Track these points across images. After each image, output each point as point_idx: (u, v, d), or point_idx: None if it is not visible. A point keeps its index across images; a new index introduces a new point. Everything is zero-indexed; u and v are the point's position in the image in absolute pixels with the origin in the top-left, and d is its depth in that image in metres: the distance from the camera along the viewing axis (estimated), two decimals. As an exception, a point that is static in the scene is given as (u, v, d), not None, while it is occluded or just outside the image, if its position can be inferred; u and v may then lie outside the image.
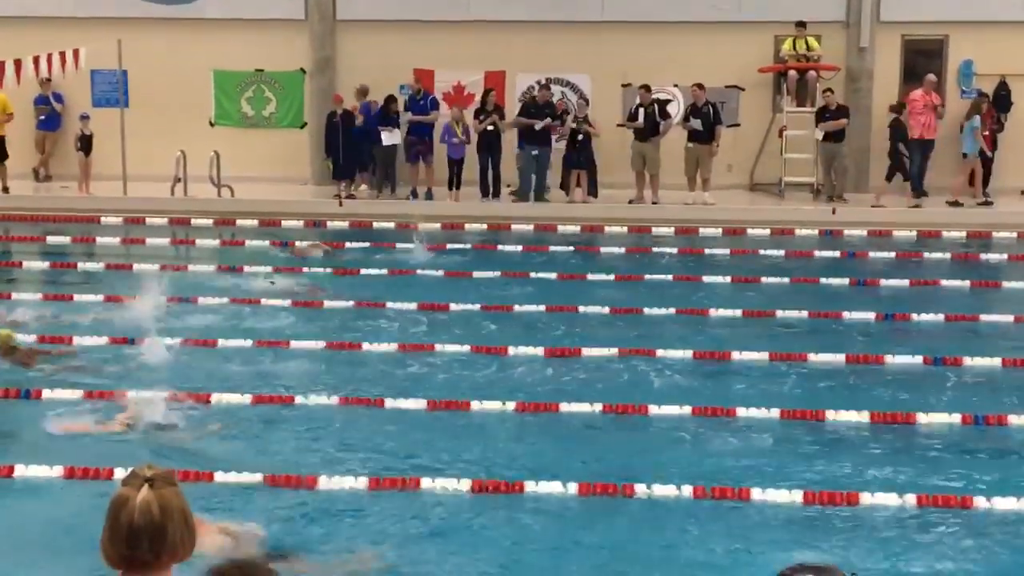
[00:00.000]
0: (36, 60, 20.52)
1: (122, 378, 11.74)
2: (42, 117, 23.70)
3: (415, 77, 22.98)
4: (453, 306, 14.73)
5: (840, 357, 12.64)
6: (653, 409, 10.84)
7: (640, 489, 8.96)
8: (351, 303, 14.85)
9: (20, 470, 9.21)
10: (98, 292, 15.16)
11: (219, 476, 9.05)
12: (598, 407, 10.87)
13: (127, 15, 23.46)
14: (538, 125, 22.00)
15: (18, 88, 21.44)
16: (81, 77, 22.16)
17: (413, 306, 14.71)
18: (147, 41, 22.80)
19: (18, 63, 20.25)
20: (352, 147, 22.38)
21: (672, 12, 23.41)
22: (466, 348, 12.86)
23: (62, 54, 20.83)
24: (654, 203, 21.85)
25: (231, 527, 7.94)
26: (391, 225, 20.19)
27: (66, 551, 7.86)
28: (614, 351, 12.71)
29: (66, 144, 23.57)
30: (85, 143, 22.91)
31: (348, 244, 18.79)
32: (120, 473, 8.51)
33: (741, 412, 10.79)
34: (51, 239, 18.96)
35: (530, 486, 8.99)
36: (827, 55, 23.22)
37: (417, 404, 10.98)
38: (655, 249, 18.97)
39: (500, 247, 19.05)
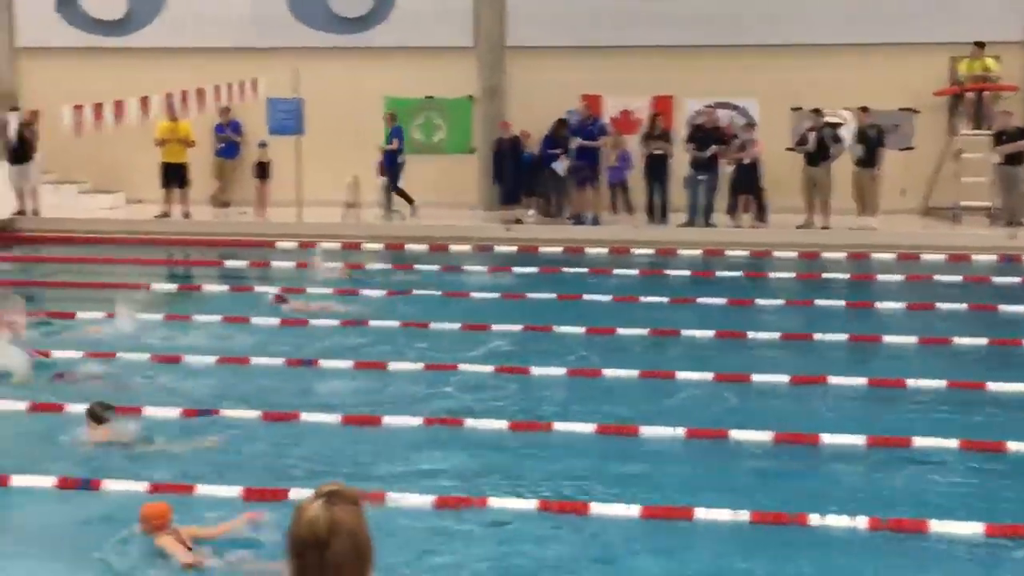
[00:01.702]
0: (217, 89, 21.21)
1: (297, 401, 12.01)
2: (222, 145, 24.47)
3: (583, 103, 23.05)
4: (620, 331, 14.71)
5: (1020, 387, 12.24)
6: (826, 438, 10.65)
7: (813, 519, 8.80)
8: (519, 327, 14.93)
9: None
10: (275, 316, 15.54)
11: (410, 498, 9.17)
12: (768, 435, 10.72)
13: (303, 44, 24.12)
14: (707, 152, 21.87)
15: (200, 117, 22.23)
16: (258, 106, 22.81)
17: (581, 330, 14.75)
18: (322, 70, 23.38)
19: (200, 92, 20.96)
20: (520, 172, 22.58)
21: (844, 34, 23.08)
22: (634, 373, 12.84)
23: (241, 83, 21.52)
24: (824, 228, 21.51)
25: None
26: (559, 250, 20.30)
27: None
28: (784, 378, 12.54)
29: (244, 171, 24.29)
30: (262, 170, 23.59)
31: (515, 269, 18.93)
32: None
33: (917, 442, 10.52)
34: (228, 263, 19.52)
35: (700, 513, 8.90)
36: (1005, 76, 22.58)
37: (586, 428, 10.99)
38: (825, 275, 18.67)
39: (667, 272, 18.97)
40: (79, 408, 10.93)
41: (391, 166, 23.22)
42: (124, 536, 8.35)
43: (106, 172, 24.66)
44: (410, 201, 23.12)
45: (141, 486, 9.45)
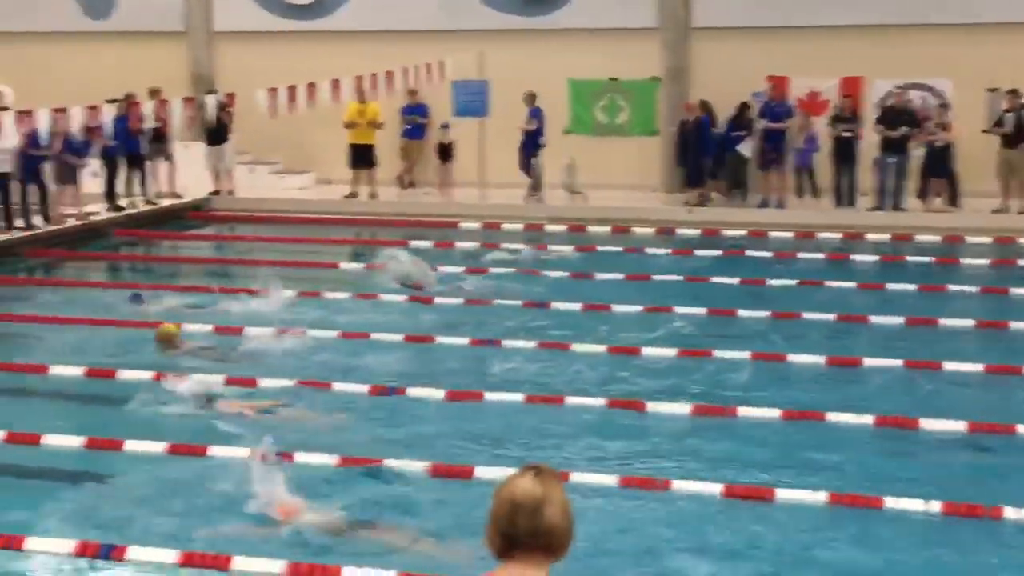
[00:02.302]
0: (405, 72, 21.56)
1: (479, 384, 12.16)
2: (408, 126, 24.85)
3: (769, 84, 22.70)
4: (806, 315, 14.49)
5: None
6: (1021, 428, 10.31)
7: (1009, 512, 8.54)
8: (702, 311, 14.83)
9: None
10: (458, 296, 15.73)
11: (594, 478, 9.21)
12: (961, 425, 10.44)
13: (489, 27, 24.32)
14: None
15: (388, 99, 22.62)
16: (444, 88, 23.08)
17: (765, 314, 14.57)
18: (506, 52, 23.54)
19: (389, 75, 21.33)
20: (703, 155, 22.38)
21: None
22: (820, 359, 12.63)
23: (428, 66, 21.82)
24: (1021, 213, 20.77)
25: None
26: (742, 233, 20.08)
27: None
28: (979, 367, 12.18)
29: (429, 152, 24.64)
30: (444, 151, 23.90)
31: (698, 252, 18.80)
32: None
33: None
34: (413, 243, 19.82)
35: (889, 502, 8.72)
36: None
37: (770, 413, 10.86)
38: (1022, 262, 18.05)
39: (855, 257, 18.59)
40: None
41: (532, 147, 23.33)
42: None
43: (297, 153, 25.29)
44: (537, 186, 23.12)
45: (331, 459, 9.70)
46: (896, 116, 21.59)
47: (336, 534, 8.32)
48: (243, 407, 10.86)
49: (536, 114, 23.27)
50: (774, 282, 16.53)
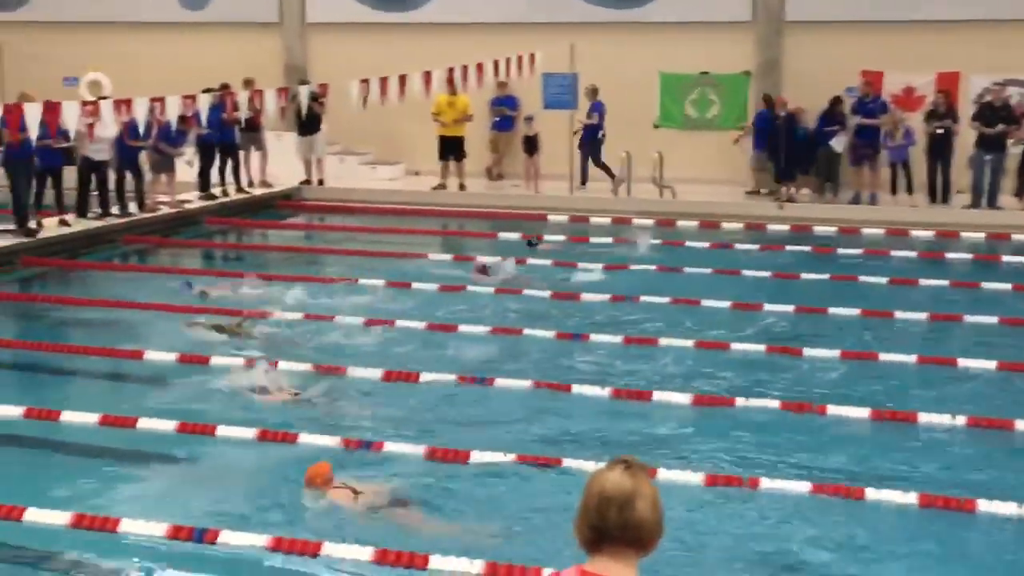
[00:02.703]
0: (495, 64, 21.59)
1: (565, 376, 12.16)
2: (497, 119, 24.89)
3: (863, 79, 22.40)
4: (898, 314, 14.30)
5: None
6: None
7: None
8: (792, 308, 14.70)
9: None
10: (544, 289, 15.74)
11: (680, 475, 9.16)
12: (1058, 427, 10.25)
13: (578, 20, 24.28)
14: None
15: (478, 91, 22.69)
16: (532, 80, 23.08)
17: (856, 312, 14.41)
18: (597, 45, 23.47)
19: (479, 67, 21.38)
20: (794, 150, 22.15)
21: None
22: (912, 358, 12.46)
23: (519, 58, 21.83)
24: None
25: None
26: (833, 230, 19.86)
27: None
28: (1077, 368, 11.95)
29: (518, 144, 24.65)
30: (530, 144, 23.91)
31: (788, 247, 18.63)
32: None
33: None
34: (501, 235, 19.87)
35: (982, 504, 8.59)
36: None
37: (859, 413, 10.74)
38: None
39: (949, 255, 18.30)
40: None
41: (591, 140, 23.41)
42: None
43: (387, 144, 25.45)
44: (611, 175, 23.14)
45: (419, 449, 9.77)
46: (993, 113, 21.21)
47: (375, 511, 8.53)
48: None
49: (598, 108, 23.34)
50: (865, 279, 16.32)
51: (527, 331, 13.56)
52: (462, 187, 23.69)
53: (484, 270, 16.46)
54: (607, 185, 22.81)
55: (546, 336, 13.43)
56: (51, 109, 16.03)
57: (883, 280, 16.29)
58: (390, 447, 9.83)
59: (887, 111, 22.11)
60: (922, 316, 14.24)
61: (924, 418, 10.54)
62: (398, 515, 8.56)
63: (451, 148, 23.63)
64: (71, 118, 16.48)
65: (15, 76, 21.89)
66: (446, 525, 8.46)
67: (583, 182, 23.67)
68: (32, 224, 18.22)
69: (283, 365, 11.96)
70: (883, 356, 12.53)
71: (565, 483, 8.78)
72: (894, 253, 18.24)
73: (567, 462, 9.32)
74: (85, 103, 16.69)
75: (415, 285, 15.95)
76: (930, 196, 21.55)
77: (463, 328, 13.72)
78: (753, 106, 23.51)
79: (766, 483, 9.03)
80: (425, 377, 11.76)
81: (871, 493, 8.82)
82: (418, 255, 18.00)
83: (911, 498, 8.73)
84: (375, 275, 16.35)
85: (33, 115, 15.56)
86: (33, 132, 15.81)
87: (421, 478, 9.24)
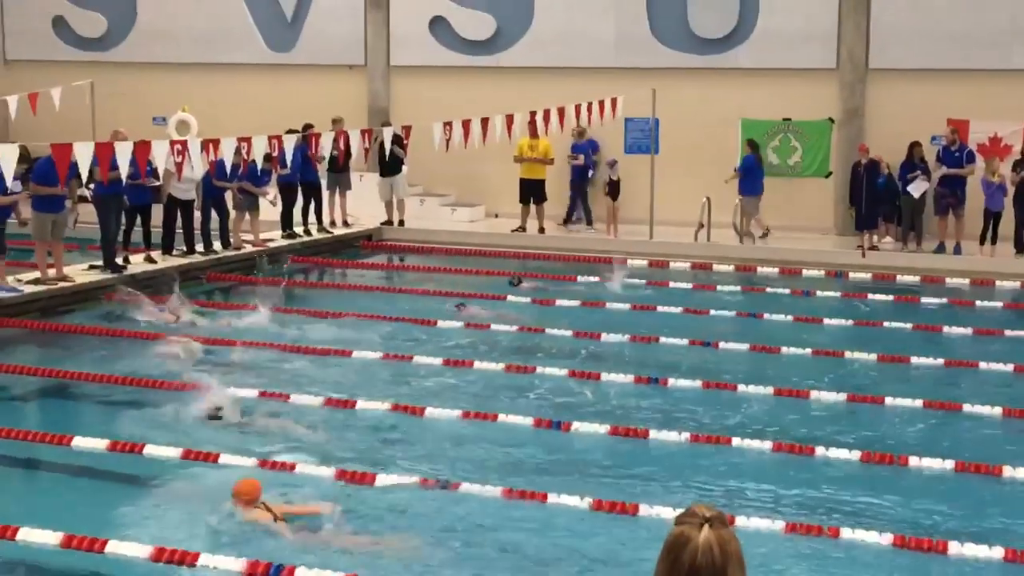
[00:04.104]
0: (577, 108, 21.67)
1: (648, 417, 12.12)
2: (577, 163, 24.96)
3: (949, 127, 22.18)
4: (983, 365, 14.09)
5: None
6: None
7: None
8: (873, 356, 14.54)
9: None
10: (624, 332, 15.71)
11: (758, 522, 9.09)
12: None
13: (662, 65, 24.32)
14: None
15: (560, 135, 22.78)
16: (614, 125, 23.13)
17: (939, 362, 14.23)
18: (679, 90, 23.50)
19: (561, 111, 21.47)
20: (877, 197, 21.98)
21: None
22: (996, 411, 12.27)
23: (601, 102, 21.89)
24: None
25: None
26: (916, 278, 19.64)
27: None
28: None
29: (598, 188, 24.69)
30: (612, 188, 23.93)
31: (870, 296, 18.45)
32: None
33: None
34: (581, 278, 19.87)
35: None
36: None
37: (943, 465, 10.58)
38: None
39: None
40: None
41: (581, 180, 24.32)
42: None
43: (468, 186, 25.61)
44: (589, 222, 24.25)
45: (497, 490, 9.78)
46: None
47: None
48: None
49: (583, 148, 23.94)
50: (950, 330, 16.11)
51: (604, 375, 13.53)
52: (541, 230, 23.76)
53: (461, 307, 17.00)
54: (680, 230, 22.68)
55: (624, 380, 13.40)
56: (141, 148, 16.35)
57: (967, 331, 16.07)
58: (467, 486, 9.84)
59: (973, 160, 21.85)
60: (1007, 368, 14.02)
61: (1009, 472, 10.36)
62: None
63: (532, 191, 23.73)
64: (160, 157, 16.80)
65: (105, 115, 22.31)
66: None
67: (588, 222, 24.46)
68: (119, 260, 18.56)
69: (365, 404, 12.08)
70: (967, 407, 12.35)
71: (646, 527, 8.74)
72: (979, 304, 17.98)
73: (644, 508, 9.27)
74: (174, 142, 16.98)
75: (493, 327, 16.01)
76: (1017, 246, 21.23)
77: (540, 369, 13.74)
78: (836, 153, 23.37)
79: (847, 533, 8.92)
80: (503, 419, 11.79)
81: (954, 547, 8.68)
82: (496, 297, 18.04)
83: (997, 552, 8.58)
84: (450, 316, 16.46)
85: (124, 154, 15.87)
86: (124, 171, 16.13)
87: (501, 522, 9.25)
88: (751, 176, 22.96)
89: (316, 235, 22.73)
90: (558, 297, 18.08)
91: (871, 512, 9.57)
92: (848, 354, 14.61)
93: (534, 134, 22.85)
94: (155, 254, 19.50)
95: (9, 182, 15.34)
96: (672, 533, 3.37)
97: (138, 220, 19.14)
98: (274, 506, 9.02)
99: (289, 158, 21.02)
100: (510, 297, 18.14)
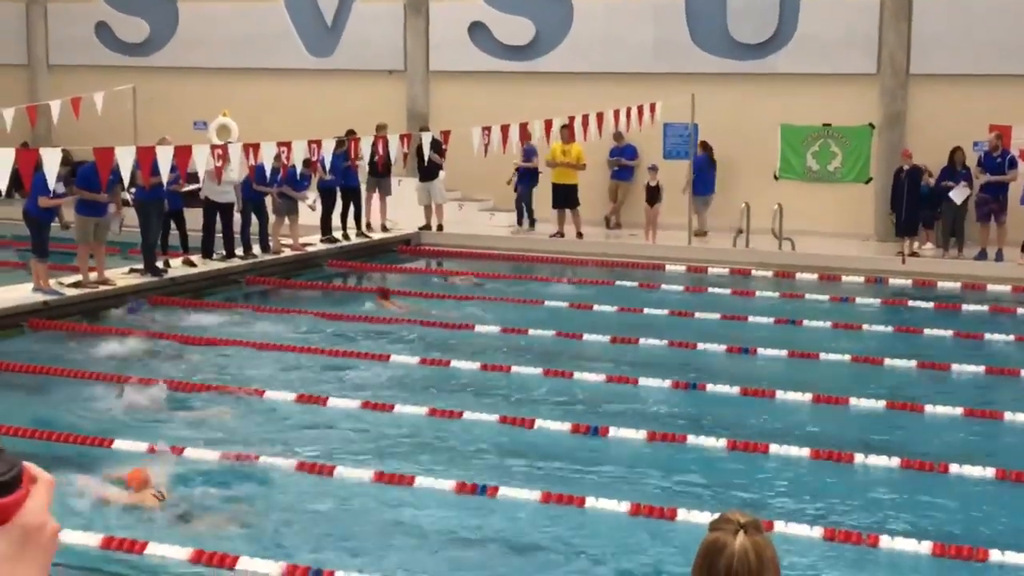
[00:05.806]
0: (616, 113, 21.65)
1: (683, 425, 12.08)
2: (616, 168, 24.95)
3: (992, 132, 22.00)
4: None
5: None
6: None
7: None
8: (912, 363, 14.45)
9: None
10: (662, 337, 15.67)
11: (798, 528, 9.04)
12: None
13: (701, 70, 24.25)
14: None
15: (599, 140, 22.76)
16: (653, 130, 23.10)
17: (980, 370, 14.12)
18: (718, 95, 23.45)
19: (599, 116, 21.46)
20: (917, 203, 21.84)
21: None
22: (1037, 418, 12.17)
23: (639, 108, 21.86)
24: None
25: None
26: (957, 285, 19.49)
27: None
28: None
29: (637, 194, 24.66)
30: (652, 193, 23.89)
31: (910, 302, 18.33)
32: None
33: None
34: (618, 282, 19.86)
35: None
36: None
37: (984, 473, 10.49)
38: None
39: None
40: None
41: (529, 182, 24.42)
42: None
43: (506, 191, 25.64)
44: (532, 221, 24.41)
45: (536, 495, 9.78)
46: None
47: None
48: None
49: (529, 153, 23.93)
50: (991, 337, 15.99)
51: (642, 380, 13.51)
52: (579, 235, 23.74)
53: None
54: (718, 236, 22.64)
55: (662, 386, 13.37)
56: (182, 153, 16.46)
57: (1009, 338, 15.94)
58: (505, 491, 9.85)
59: (1015, 166, 21.68)
60: (1049, 375, 13.91)
61: (1051, 480, 10.27)
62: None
63: (563, 196, 23.70)
64: (201, 162, 16.92)
65: (147, 119, 22.50)
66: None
67: (531, 224, 24.52)
68: (159, 264, 18.69)
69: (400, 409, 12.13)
70: (1008, 415, 12.25)
71: (679, 534, 8.72)
72: (1020, 311, 17.83)
73: (682, 514, 9.25)
74: (214, 147, 17.10)
75: (531, 331, 16.02)
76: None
77: (577, 375, 13.74)
78: (876, 159, 23.24)
79: (885, 540, 8.87)
80: (539, 424, 11.79)
81: (995, 555, 8.61)
82: (535, 302, 18.05)
83: (1035, 562, 8.51)
84: (492, 322, 16.49)
85: (165, 159, 15.98)
86: (165, 176, 16.24)
87: (539, 525, 9.25)
88: (702, 176, 23.01)
89: (355, 239, 22.82)
90: (595, 303, 18.05)
91: (910, 520, 9.50)
92: (888, 361, 14.52)
93: (571, 138, 22.82)
94: (195, 258, 19.62)
95: (52, 185, 15.51)
96: (707, 539, 3.37)
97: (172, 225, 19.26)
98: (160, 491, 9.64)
99: (328, 163, 21.10)
100: (547, 303, 18.12)
